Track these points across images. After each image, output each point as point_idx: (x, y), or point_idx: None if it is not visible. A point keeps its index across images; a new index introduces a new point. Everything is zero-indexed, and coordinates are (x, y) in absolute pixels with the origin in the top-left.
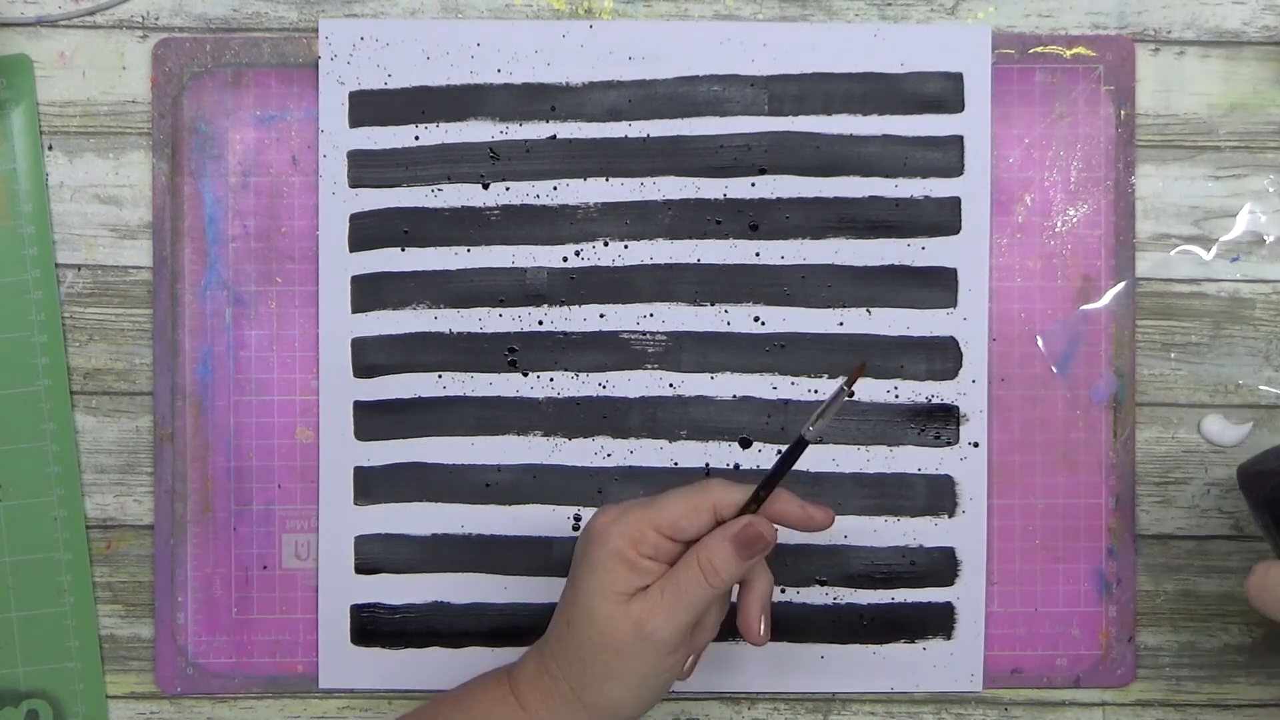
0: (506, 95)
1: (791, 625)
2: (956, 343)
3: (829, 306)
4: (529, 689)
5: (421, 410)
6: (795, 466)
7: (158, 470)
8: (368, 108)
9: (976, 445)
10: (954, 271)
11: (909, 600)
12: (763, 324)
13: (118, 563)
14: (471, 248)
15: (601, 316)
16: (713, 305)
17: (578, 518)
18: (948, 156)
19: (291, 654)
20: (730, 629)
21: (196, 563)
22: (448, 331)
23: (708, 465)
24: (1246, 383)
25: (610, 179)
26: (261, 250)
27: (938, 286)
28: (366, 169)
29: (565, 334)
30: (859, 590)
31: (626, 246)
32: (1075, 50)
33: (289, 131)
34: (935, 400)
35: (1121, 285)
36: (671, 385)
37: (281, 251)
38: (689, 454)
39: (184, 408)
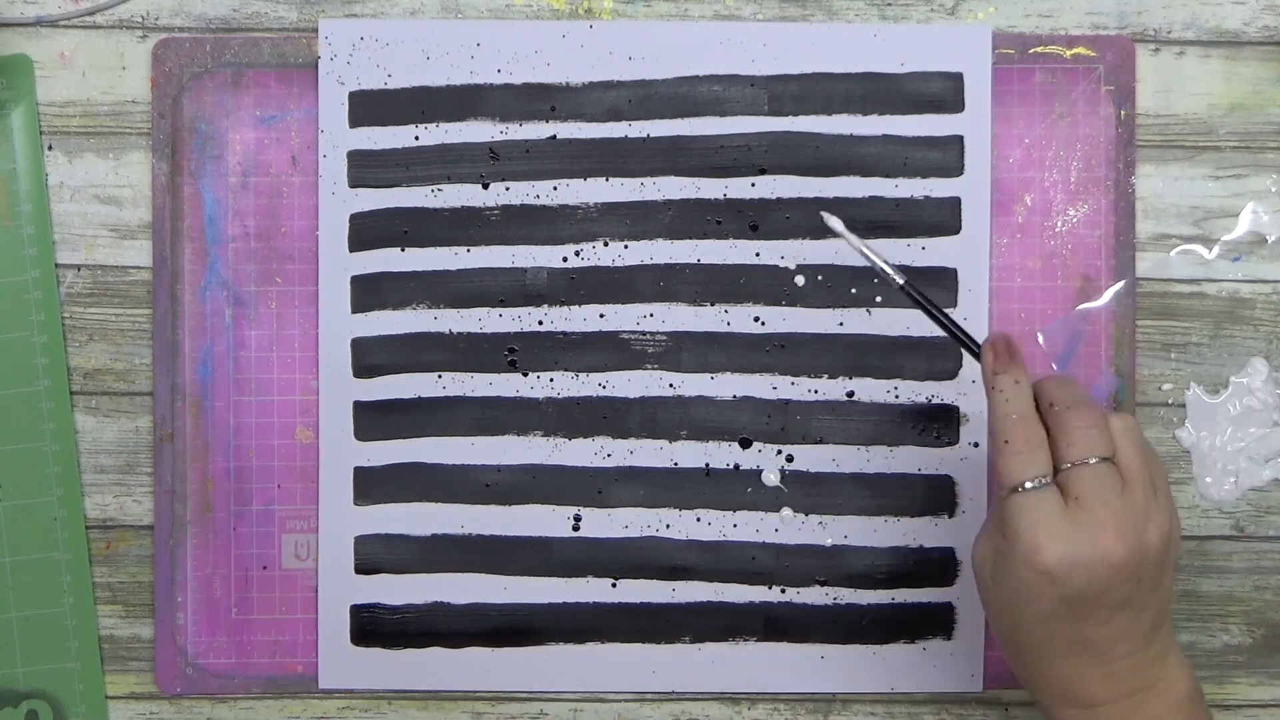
0: (506, 95)
1: (791, 625)
2: None
3: (829, 306)
4: None
5: (421, 410)
6: (794, 466)
7: (158, 470)
8: (368, 108)
9: (976, 445)
10: (954, 271)
11: (909, 600)
12: (763, 324)
13: (117, 563)
14: (471, 248)
15: (601, 316)
16: (713, 305)
17: (578, 518)
18: (948, 156)
19: (291, 654)
20: (731, 631)
21: (196, 563)
22: (448, 331)
23: (708, 465)
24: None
25: (610, 179)
26: (261, 250)
27: (938, 286)
28: (366, 169)
29: (565, 334)
30: (859, 590)
31: (626, 246)
32: (1075, 50)
33: (289, 131)
34: (935, 400)
35: (1121, 285)
36: (671, 385)
37: (281, 251)
38: (689, 454)
39: (184, 408)
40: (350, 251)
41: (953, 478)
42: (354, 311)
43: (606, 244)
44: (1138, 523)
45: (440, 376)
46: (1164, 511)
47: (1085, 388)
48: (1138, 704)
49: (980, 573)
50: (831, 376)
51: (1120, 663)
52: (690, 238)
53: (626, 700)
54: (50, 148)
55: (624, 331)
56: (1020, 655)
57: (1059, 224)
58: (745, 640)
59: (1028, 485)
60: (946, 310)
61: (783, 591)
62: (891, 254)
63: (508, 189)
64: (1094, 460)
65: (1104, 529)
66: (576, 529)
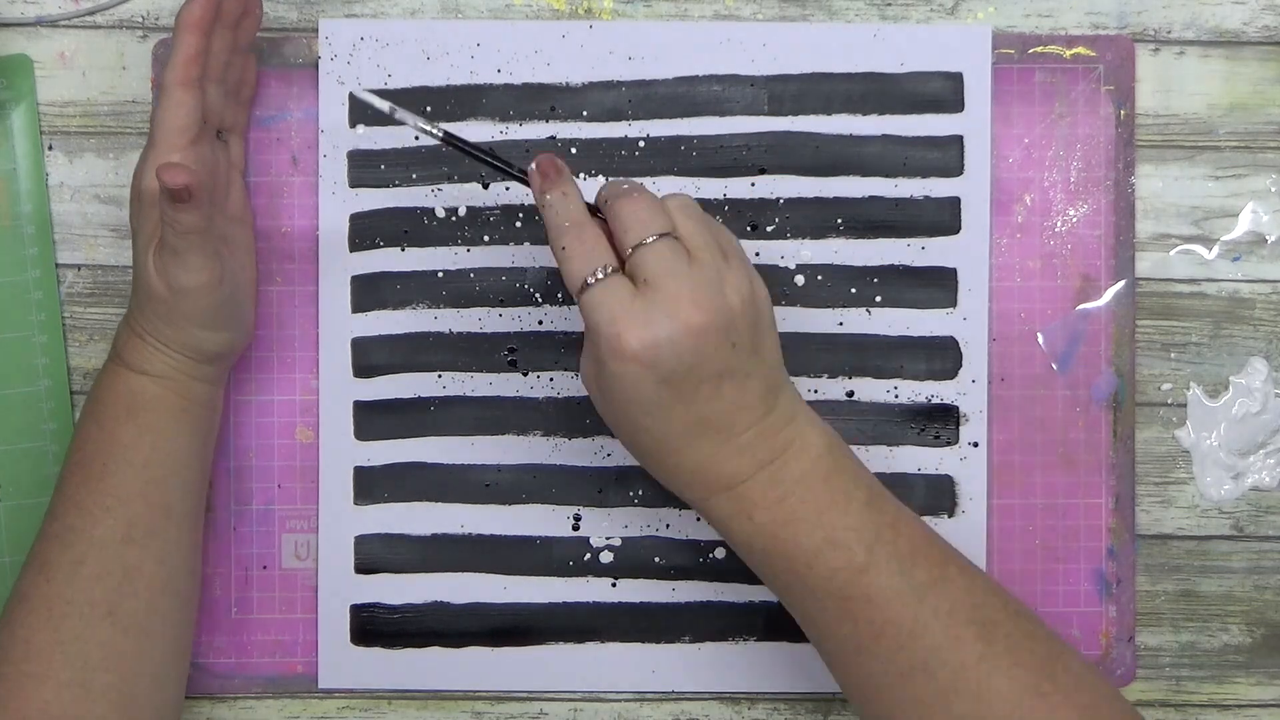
0: (506, 95)
1: (791, 625)
2: (956, 343)
3: (829, 306)
4: (133, 357)
5: (421, 410)
6: None
7: None
8: (368, 108)
9: (976, 445)
10: (954, 271)
11: None
12: None
13: None
14: (471, 248)
15: None
16: None
17: (578, 518)
18: (947, 156)
19: (291, 654)
20: (731, 631)
21: None
22: (448, 331)
23: None
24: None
25: (610, 179)
26: (261, 250)
27: (937, 286)
28: (366, 169)
29: (565, 334)
30: None
31: None
32: (1075, 50)
33: (289, 131)
34: (935, 400)
35: (1121, 285)
36: None
37: (281, 251)
38: None
39: None
40: (350, 251)
41: (952, 478)
42: (354, 311)
43: None
44: (712, 288)
45: (440, 376)
46: (739, 273)
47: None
48: (779, 469)
49: (589, 388)
50: (831, 376)
51: (746, 434)
52: None
53: (626, 700)
54: (50, 148)
55: None
56: (653, 454)
57: (1059, 224)
58: (745, 640)
59: (591, 280)
60: (945, 310)
61: None
62: (892, 254)
63: (508, 189)
64: (652, 239)
65: (678, 300)
66: (576, 529)
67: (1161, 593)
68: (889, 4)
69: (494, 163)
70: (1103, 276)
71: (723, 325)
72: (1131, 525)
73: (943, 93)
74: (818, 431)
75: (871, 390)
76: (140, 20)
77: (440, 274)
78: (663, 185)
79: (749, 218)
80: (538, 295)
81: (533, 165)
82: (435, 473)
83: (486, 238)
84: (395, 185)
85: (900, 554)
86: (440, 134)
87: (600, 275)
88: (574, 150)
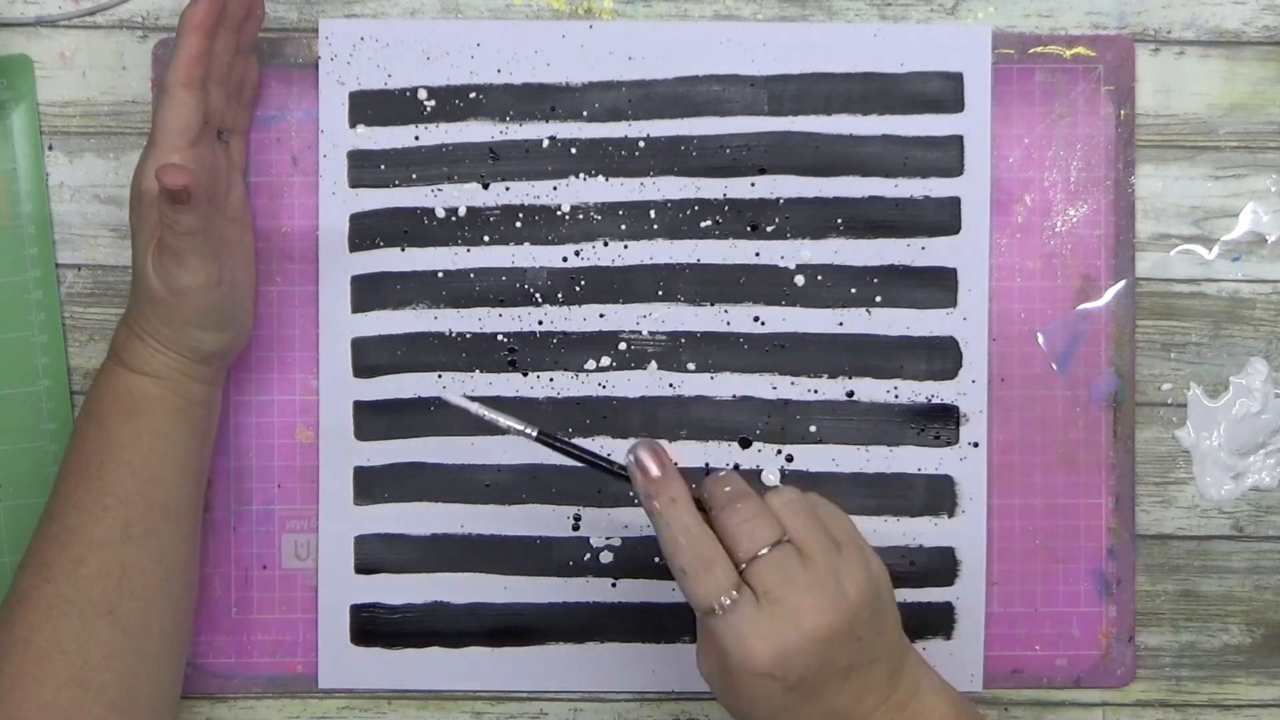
0: (506, 95)
1: None
2: (956, 343)
3: (829, 306)
4: (131, 357)
5: (421, 410)
6: (794, 466)
7: None
8: (368, 108)
9: (976, 445)
10: (954, 271)
11: (909, 600)
12: (763, 324)
13: None
14: (471, 248)
15: (601, 316)
16: (713, 305)
17: (578, 518)
18: (947, 156)
19: (291, 654)
20: None
21: None
22: (448, 331)
23: (707, 465)
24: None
25: (610, 179)
26: (261, 250)
27: (937, 286)
28: (366, 169)
29: (565, 334)
30: None
31: (626, 246)
32: (1075, 50)
33: (289, 131)
34: (935, 400)
35: (1121, 285)
36: (671, 385)
37: (281, 251)
38: (689, 454)
39: None
40: (350, 251)
41: (952, 478)
42: (354, 311)
43: (606, 244)
44: (831, 588)
45: (440, 376)
46: (853, 562)
47: (742, 477)
48: None
49: (712, 685)
50: (831, 376)
51: (875, 716)
52: (690, 238)
53: (626, 700)
54: (51, 148)
55: (624, 331)
56: None
57: (1059, 224)
58: None
59: (717, 608)
60: (945, 310)
61: None
62: (892, 254)
63: (508, 189)
64: (765, 550)
65: (801, 610)
66: (576, 529)
67: (1161, 593)
68: (889, 4)
69: (592, 461)
70: (1103, 276)
71: (847, 624)
72: (1131, 525)
73: (943, 93)
74: (943, 699)
75: (871, 390)
76: (140, 20)
77: (440, 274)
78: (663, 185)
79: (749, 218)
80: (538, 295)
81: (631, 459)
82: (435, 473)
83: (486, 238)
84: (395, 185)
85: None
86: (534, 434)
87: (727, 602)
88: (574, 150)
